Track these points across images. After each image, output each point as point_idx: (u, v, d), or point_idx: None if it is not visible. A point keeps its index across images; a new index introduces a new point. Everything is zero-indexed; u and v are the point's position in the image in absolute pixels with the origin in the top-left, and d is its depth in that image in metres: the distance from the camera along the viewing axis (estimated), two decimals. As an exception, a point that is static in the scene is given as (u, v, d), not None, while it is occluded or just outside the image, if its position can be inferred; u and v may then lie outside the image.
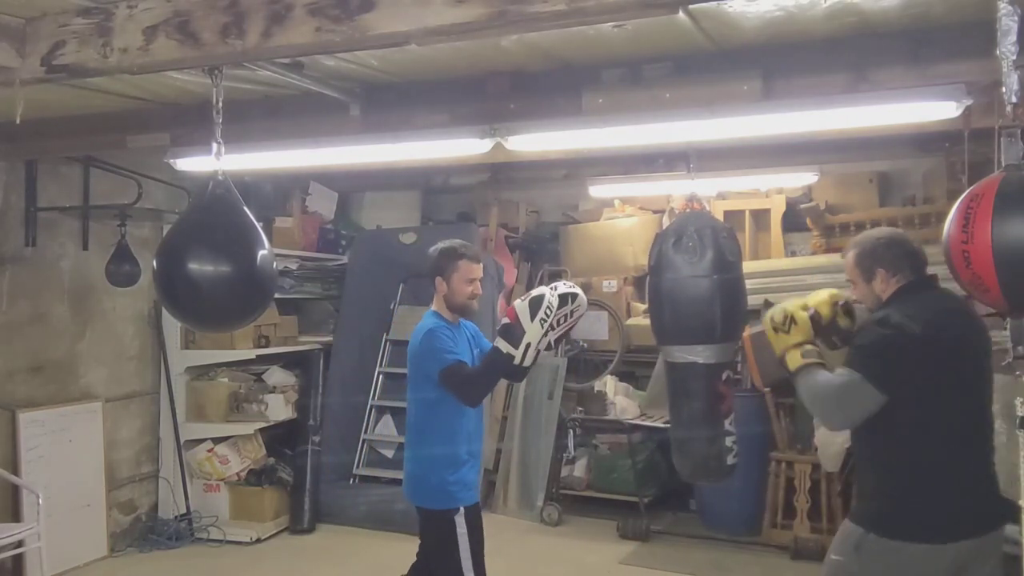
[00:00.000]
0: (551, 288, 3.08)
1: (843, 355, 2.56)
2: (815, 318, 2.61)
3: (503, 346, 2.94)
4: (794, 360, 2.57)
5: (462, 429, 3.16)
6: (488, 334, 3.46)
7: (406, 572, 3.38)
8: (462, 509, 3.12)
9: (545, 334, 2.95)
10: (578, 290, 3.17)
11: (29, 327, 4.91)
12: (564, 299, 3.05)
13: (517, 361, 2.95)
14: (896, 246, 2.56)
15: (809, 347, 2.57)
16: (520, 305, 2.96)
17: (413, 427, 3.27)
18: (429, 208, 7.38)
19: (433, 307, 3.27)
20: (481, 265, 3.28)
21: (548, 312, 2.93)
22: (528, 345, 2.92)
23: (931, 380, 2.37)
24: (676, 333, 3.14)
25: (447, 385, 3.03)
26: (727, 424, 3.16)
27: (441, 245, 3.26)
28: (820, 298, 2.65)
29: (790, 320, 2.60)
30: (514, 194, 7.10)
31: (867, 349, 2.42)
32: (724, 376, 3.17)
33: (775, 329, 2.64)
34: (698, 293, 3.09)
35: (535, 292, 3.02)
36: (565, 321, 3.06)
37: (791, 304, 2.66)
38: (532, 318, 2.91)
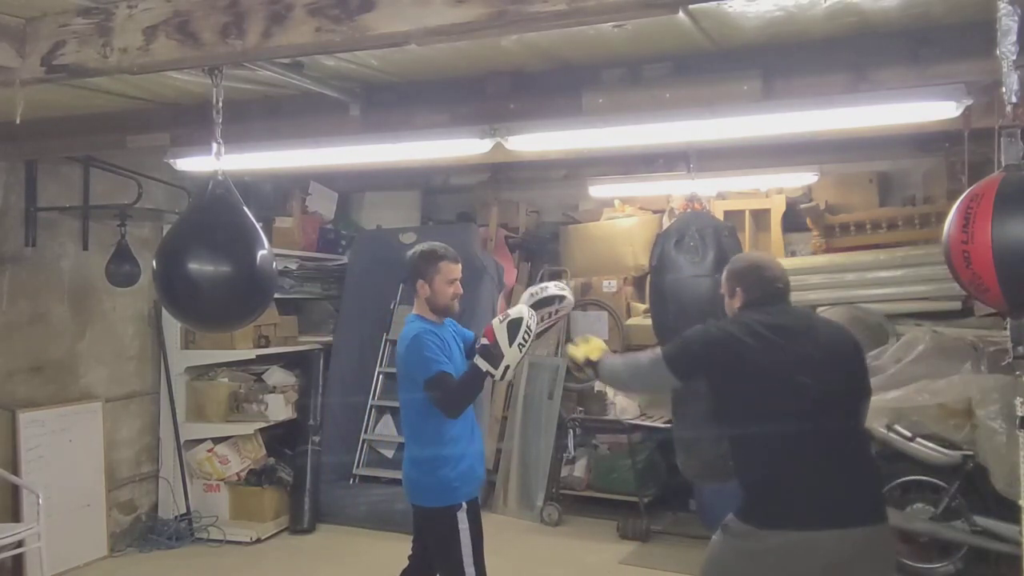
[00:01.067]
0: (549, 301, 3.17)
1: None
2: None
3: (483, 365, 2.98)
4: (595, 353, 2.92)
5: (456, 428, 3.18)
6: None
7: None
8: (464, 505, 3.13)
9: (524, 355, 3.02)
10: (566, 291, 3.26)
11: (29, 327, 4.91)
12: (551, 300, 3.17)
13: (497, 379, 3.02)
14: (754, 271, 2.78)
15: (604, 347, 2.97)
16: (499, 327, 2.98)
17: (408, 429, 3.29)
18: (429, 208, 7.38)
19: (415, 311, 3.27)
20: (460, 265, 3.29)
21: (527, 337, 2.98)
22: (507, 367, 2.97)
23: (744, 379, 2.56)
24: (678, 332, 3.15)
25: (429, 394, 3.06)
26: (731, 424, 3.17)
27: (419, 248, 3.28)
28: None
29: (585, 342, 2.98)
30: (514, 194, 7.10)
31: (679, 338, 2.71)
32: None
33: (575, 346, 2.99)
34: (700, 292, 3.11)
35: (514, 313, 3.04)
36: (548, 318, 3.18)
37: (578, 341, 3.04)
38: (511, 343, 2.96)
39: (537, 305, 3.18)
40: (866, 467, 2.59)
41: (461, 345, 3.30)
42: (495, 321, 3.02)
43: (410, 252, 3.29)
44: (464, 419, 3.19)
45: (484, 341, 3.00)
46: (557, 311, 3.20)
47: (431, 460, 3.14)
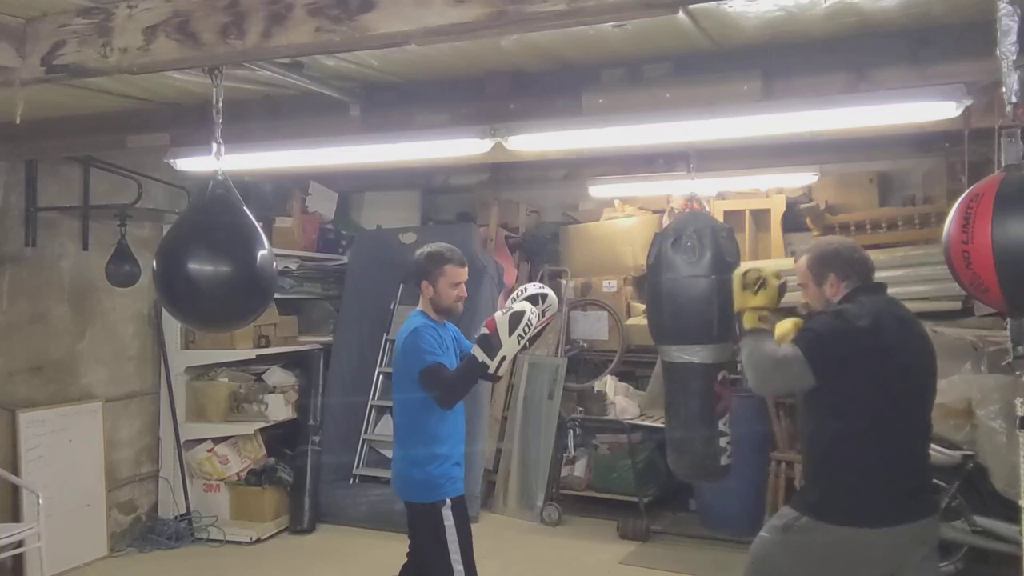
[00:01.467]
0: (532, 301, 3.20)
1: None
2: (782, 288, 2.82)
3: (479, 355, 3.03)
4: (751, 320, 2.75)
5: (446, 427, 3.22)
6: None
7: (397, 573, 3.41)
8: (448, 501, 3.17)
9: (522, 348, 3.07)
10: (547, 290, 3.32)
11: (29, 327, 4.91)
12: (534, 300, 3.21)
13: (491, 371, 3.05)
14: (847, 253, 2.74)
15: (766, 314, 2.77)
16: (500, 318, 3.04)
17: (399, 427, 3.33)
18: (429, 208, 7.38)
19: (419, 307, 3.34)
20: (466, 269, 3.34)
21: (527, 329, 3.03)
22: (503, 358, 3.02)
23: (870, 375, 2.51)
24: (674, 333, 3.16)
25: (425, 385, 3.10)
26: (722, 424, 3.18)
27: (427, 249, 3.32)
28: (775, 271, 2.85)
29: (760, 283, 2.78)
30: (514, 194, 7.10)
31: (814, 332, 2.58)
32: (720, 376, 3.18)
33: (744, 286, 2.80)
34: (696, 293, 3.10)
35: (517, 307, 3.10)
36: (539, 319, 3.21)
37: (766, 269, 2.83)
38: (510, 333, 3.01)
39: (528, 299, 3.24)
40: (928, 460, 2.67)
41: (458, 352, 3.33)
42: (498, 313, 3.08)
43: (417, 252, 3.34)
44: (454, 418, 3.24)
45: (484, 331, 3.04)
46: (544, 312, 3.25)
47: (418, 457, 3.19)
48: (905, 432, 2.57)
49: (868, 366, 2.51)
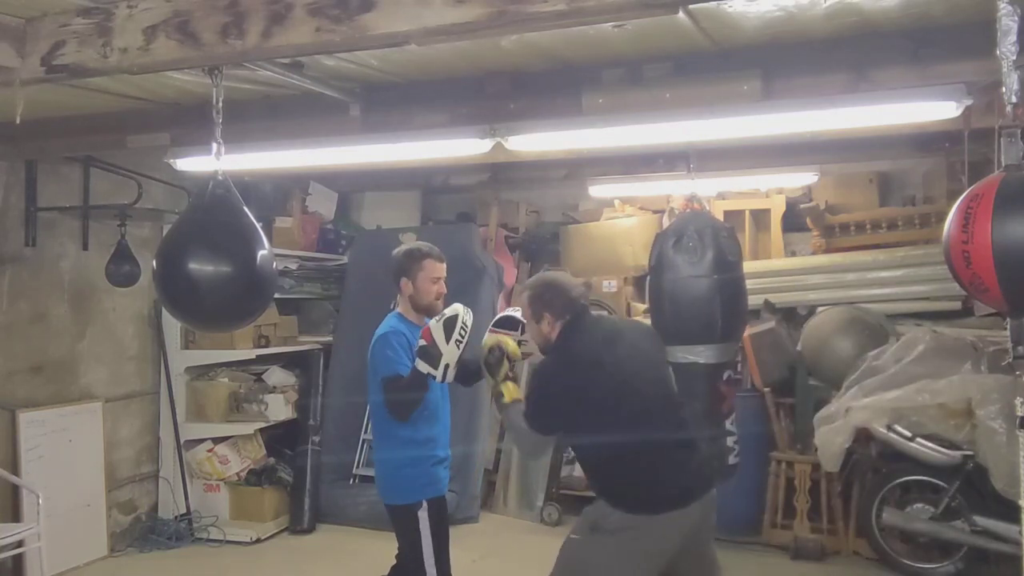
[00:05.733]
0: (511, 325, 3.20)
1: None
2: (520, 336, 3.12)
3: (423, 367, 3.01)
4: (510, 393, 2.98)
5: (422, 430, 3.22)
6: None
7: (387, 573, 3.44)
8: (425, 503, 3.19)
9: (461, 352, 3.04)
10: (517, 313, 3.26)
11: (29, 327, 4.91)
12: (514, 324, 3.20)
13: (439, 380, 3.03)
14: (557, 292, 2.90)
15: (512, 380, 3.03)
16: (435, 326, 3.02)
17: (374, 429, 3.38)
18: (429, 208, 7.38)
19: (398, 308, 3.34)
20: (444, 265, 3.34)
21: (463, 332, 3.02)
22: (447, 365, 3.00)
23: (604, 403, 2.72)
24: (677, 333, 3.15)
25: (384, 393, 3.11)
26: (728, 424, 3.17)
27: (404, 247, 3.35)
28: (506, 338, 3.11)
29: (500, 352, 3.04)
30: (514, 194, 7.10)
31: (532, 401, 2.83)
32: (725, 376, 3.17)
33: (486, 362, 3.05)
34: (699, 293, 3.10)
35: (449, 311, 3.08)
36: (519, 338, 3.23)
37: (502, 336, 3.10)
38: (448, 340, 2.99)
39: (498, 325, 3.22)
40: (695, 442, 2.90)
41: None
42: (431, 321, 3.06)
43: (394, 251, 3.36)
44: (432, 420, 3.24)
45: (422, 342, 3.02)
46: (522, 333, 3.20)
47: (394, 459, 3.22)
48: (662, 427, 2.77)
49: (599, 396, 2.72)
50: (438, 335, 2.99)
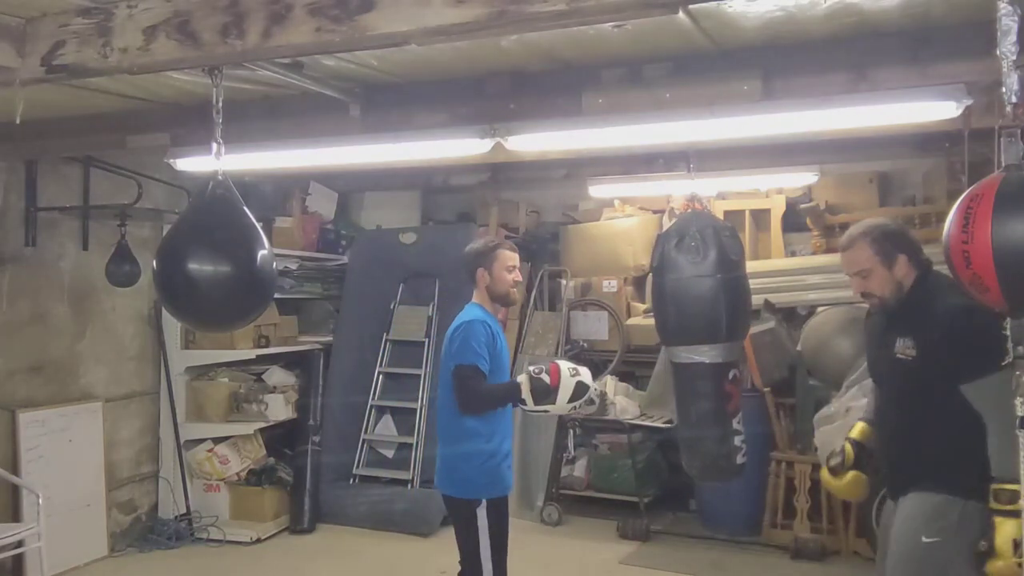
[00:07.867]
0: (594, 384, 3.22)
1: None
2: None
3: (527, 396, 3.06)
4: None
5: (488, 423, 3.22)
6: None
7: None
8: (485, 502, 3.18)
9: (562, 411, 3.13)
10: (595, 398, 3.41)
11: (29, 327, 4.91)
12: (583, 390, 3.16)
13: (528, 408, 3.10)
14: (905, 232, 2.68)
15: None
16: (567, 381, 3.07)
17: (439, 420, 3.37)
18: (429, 208, 7.38)
19: (475, 299, 3.37)
20: (517, 254, 3.41)
21: (578, 406, 3.10)
22: (546, 410, 3.09)
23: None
24: (681, 334, 3.15)
25: (455, 379, 3.13)
26: (735, 423, 3.17)
27: (475, 243, 3.44)
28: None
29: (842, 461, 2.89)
30: (514, 194, 7.10)
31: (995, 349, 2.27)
32: (731, 375, 3.17)
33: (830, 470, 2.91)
34: (702, 293, 3.10)
35: (585, 377, 3.11)
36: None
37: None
38: (569, 400, 3.06)
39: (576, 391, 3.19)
40: None
41: (499, 344, 3.35)
42: (566, 370, 3.10)
43: (467, 247, 3.43)
44: (502, 418, 3.26)
45: (545, 378, 3.05)
46: (577, 407, 3.22)
47: (456, 453, 3.21)
48: None
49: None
50: (564, 391, 3.06)
